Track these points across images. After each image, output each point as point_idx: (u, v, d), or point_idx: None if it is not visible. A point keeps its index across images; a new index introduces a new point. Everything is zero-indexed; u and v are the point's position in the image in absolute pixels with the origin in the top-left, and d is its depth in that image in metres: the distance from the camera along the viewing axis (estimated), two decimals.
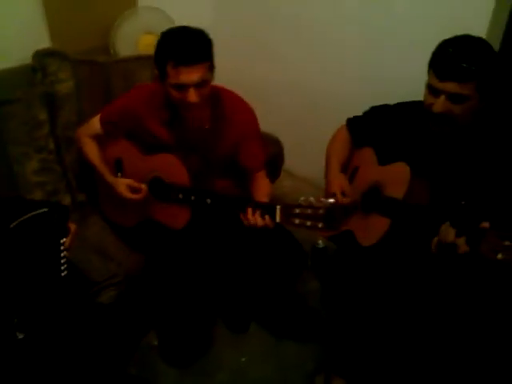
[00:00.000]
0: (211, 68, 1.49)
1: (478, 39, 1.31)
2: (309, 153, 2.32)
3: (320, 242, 2.21)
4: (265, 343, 1.90)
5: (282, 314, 1.96)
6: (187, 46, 1.40)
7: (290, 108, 2.75)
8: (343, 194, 1.57)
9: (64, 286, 1.34)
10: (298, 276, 1.83)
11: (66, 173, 1.93)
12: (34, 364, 1.30)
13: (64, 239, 1.32)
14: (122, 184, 1.63)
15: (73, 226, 1.39)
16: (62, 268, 1.33)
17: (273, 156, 2.18)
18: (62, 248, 1.31)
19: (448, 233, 1.21)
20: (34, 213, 1.24)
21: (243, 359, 1.84)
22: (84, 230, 1.82)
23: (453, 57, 1.27)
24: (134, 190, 1.63)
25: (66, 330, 1.38)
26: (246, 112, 1.68)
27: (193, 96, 1.44)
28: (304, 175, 2.88)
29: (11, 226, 1.20)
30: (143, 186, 1.63)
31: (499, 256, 1.07)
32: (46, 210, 1.26)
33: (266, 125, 2.08)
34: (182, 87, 1.43)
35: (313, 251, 2.25)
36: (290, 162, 2.52)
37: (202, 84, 1.44)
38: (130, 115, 1.65)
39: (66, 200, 1.92)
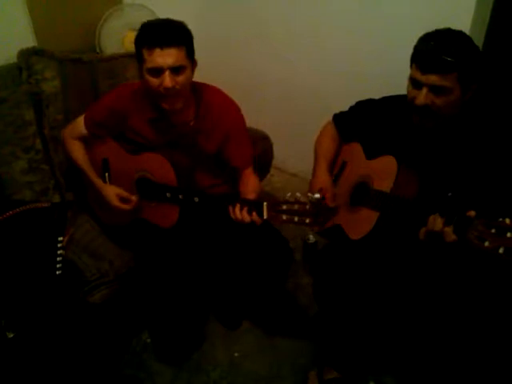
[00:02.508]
0: (190, 56, 1.48)
1: (459, 33, 1.33)
2: (298, 149, 2.33)
3: (311, 236, 2.23)
4: (258, 339, 1.91)
5: (272, 310, 1.97)
6: (161, 28, 1.42)
7: (278, 104, 2.76)
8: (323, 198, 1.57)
9: (58, 284, 1.33)
10: (286, 271, 1.83)
11: (55, 172, 1.91)
12: (26, 363, 1.30)
13: (62, 237, 1.32)
14: (112, 193, 1.62)
15: (71, 229, 1.39)
16: (58, 266, 1.32)
17: (262, 152, 2.19)
18: (59, 246, 1.31)
19: (436, 222, 1.23)
20: (35, 205, 1.24)
21: (236, 355, 1.85)
22: (74, 229, 1.81)
23: (434, 49, 1.28)
24: (123, 200, 1.62)
25: (59, 330, 1.38)
26: (231, 109, 1.67)
27: (168, 80, 1.42)
28: (294, 171, 2.89)
29: (6, 215, 1.19)
30: (133, 198, 1.62)
31: (486, 244, 1.09)
32: (47, 204, 1.27)
33: (255, 121, 2.09)
34: (158, 71, 1.43)
35: (304, 246, 2.27)
36: (280, 158, 2.53)
37: (178, 70, 1.44)
38: (115, 114, 1.64)
39: (55, 199, 1.90)
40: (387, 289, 1.48)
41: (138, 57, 1.48)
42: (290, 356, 1.84)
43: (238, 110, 1.69)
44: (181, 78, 1.46)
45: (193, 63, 1.51)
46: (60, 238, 1.31)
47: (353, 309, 1.54)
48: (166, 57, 1.41)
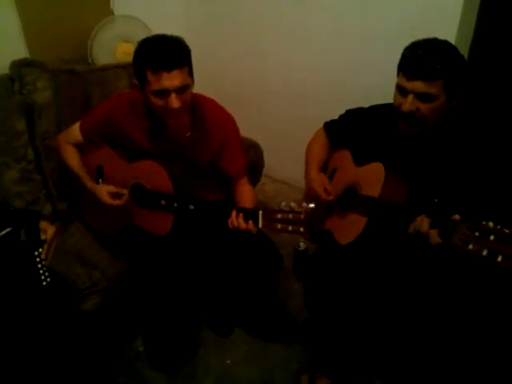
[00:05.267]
0: (191, 73, 1.50)
1: (445, 42, 1.37)
2: (289, 157, 2.36)
3: (301, 243, 2.25)
4: (250, 345, 1.92)
5: (263, 317, 1.98)
6: (166, 51, 1.41)
7: (268, 113, 2.79)
8: (325, 190, 1.61)
9: (48, 293, 1.33)
10: (275, 278, 1.85)
11: (47, 182, 1.92)
12: (18, 373, 1.29)
13: (39, 249, 1.30)
14: (103, 190, 1.63)
15: (50, 230, 1.38)
16: (43, 277, 1.31)
17: (253, 161, 2.21)
18: (38, 260, 1.30)
19: (423, 223, 1.25)
20: None
21: (229, 362, 1.86)
22: (66, 238, 1.82)
23: (420, 57, 1.32)
24: (115, 196, 1.63)
25: (51, 339, 1.38)
26: (226, 120, 1.70)
27: (174, 102, 1.44)
28: (285, 179, 2.92)
29: None
30: (124, 192, 1.63)
31: (470, 247, 1.11)
32: (9, 229, 1.21)
33: (245, 130, 2.11)
34: (164, 93, 1.44)
35: (294, 253, 2.28)
36: (271, 166, 2.55)
37: (183, 89, 1.45)
38: (111, 123, 1.65)
39: (47, 209, 1.91)
40: (377, 293, 1.50)
41: (138, 76, 1.47)
42: (282, 361, 1.85)
43: (233, 121, 1.72)
44: (185, 97, 1.48)
45: (193, 78, 1.53)
46: (37, 252, 1.30)
47: (343, 314, 1.56)
48: (172, 80, 1.41)
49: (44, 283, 1.32)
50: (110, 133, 1.68)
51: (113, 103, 1.68)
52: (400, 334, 1.64)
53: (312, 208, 1.32)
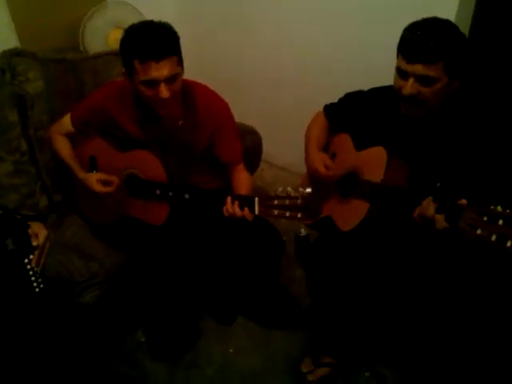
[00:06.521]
0: (180, 62, 1.45)
1: (445, 22, 1.32)
2: (287, 142, 2.32)
3: (302, 230, 2.23)
4: (252, 333, 1.91)
5: (265, 304, 1.97)
6: (154, 39, 1.36)
7: (266, 98, 2.75)
8: (325, 166, 1.58)
9: (42, 298, 1.30)
10: (278, 263, 1.83)
11: (41, 174, 1.90)
12: (21, 367, 1.28)
13: (30, 256, 1.27)
14: (93, 178, 1.61)
15: (42, 235, 1.34)
16: (35, 284, 1.29)
17: (251, 147, 2.18)
18: (28, 267, 1.27)
19: (429, 208, 1.22)
20: None
21: (231, 350, 1.85)
22: (63, 230, 1.80)
23: (420, 39, 1.28)
24: (105, 184, 1.61)
25: (52, 333, 1.37)
26: (218, 105, 1.65)
27: (164, 92, 1.40)
28: (284, 165, 2.89)
29: None
30: (114, 179, 1.60)
31: (478, 231, 1.08)
32: None
33: (243, 116, 2.07)
34: (153, 83, 1.40)
35: (296, 239, 2.27)
36: (269, 152, 2.52)
37: (172, 79, 1.41)
38: (101, 113, 1.62)
39: (43, 201, 1.89)
40: (379, 279, 1.48)
41: (126, 65, 1.43)
42: (284, 349, 1.84)
43: (226, 106, 1.67)
44: (175, 86, 1.44)
45: (183, 67, 1.48)
46: (27, 260, 1.27)
47: (346, 300, 1.55)
48: (161, 70, 1.37)
49: (37, 289, 1.29)
50: (101, 123, 1.65)
51: (103, 93, 1.64)
52: (403, 319, 1.63)
53: (309, 193, 1.30)
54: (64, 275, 1.61)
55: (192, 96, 1.60)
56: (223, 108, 1.66)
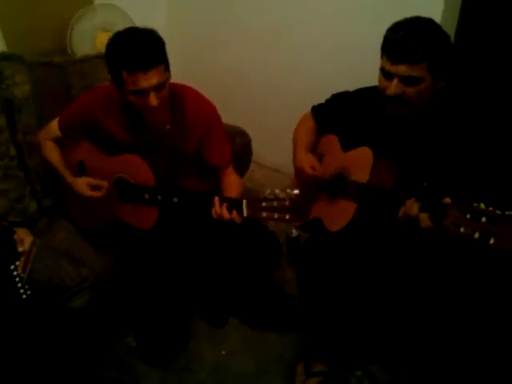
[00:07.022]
0: (167, 68, 1.44)
1: (428, 21, 1.32)
2: (277, 143, 2.32)
3: (293, 231, 2.24)
4: (244, 335, 1.91)
5: (258, 305, 1.97)
6: (141, 50, 1.34)
7: (255, 100, 2.75)
8: (312, 168, 1.58)
9: (30, 304, 1.29)
10: (276, 265, 1.83)
11: (30, 178, 1.89)
12: (10, 373, 1.27)
13: (16, 263, 1.26)
14: (82, 183, 1.60)
15: (27, 241, 1.32)
16: (22, 291, 1.27)
17: (240, 148, 2.18)
18: (15, 273, 1.26)
19: (412, 207, 1.23)
20: None
21: (224, 353, 1.85)
22: (52, 235, 1.79)
23: (403, 39, 1.28)
24: (94, 188, 1.60)
25: (41, 339, 1.36)
26: (206, 109, 1.64)
27: (154, 100, 1.40)
28: (274, 166, 2.89)
29: None
30: (104, 183, 1.59)
31: (462, 229, 1.08)
32: None
33: (232, 117, 2.07)
34: (142, 93, 1.39)
35: (287, 240, 2.27)
36: (260, 153, 2.52)
37: (161, 86, 1.41)
38: (88, 118, 1.61)
39: (32, 206, 1.88)
40: (369, 279, 1.48)
41: (113, 75, 1.42)
42: (277, 351, 1.84)
43: (214, 109, 1.66)
44: (164, 93, 1.44)
45: (170, 71, 1.47)
46: (13, 266, 1.25)
47: (336, 300, 1.55)
48: (149, 79, 1.36)
49: (24, 296, 1.27)
50: (87, 128, 1.64)
51: (89, 97, 1.63)
52: (393, 319, 1.63)
53: (296, 194, 1.29)
54: (54, 280, 1.61)
55: (180, 100, 1.60)
56: (211, 112, 1.65)
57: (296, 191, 1.30)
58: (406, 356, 1.72)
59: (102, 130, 1.62)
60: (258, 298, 1.99)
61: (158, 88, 1.40)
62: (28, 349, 1.30)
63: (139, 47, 1.34)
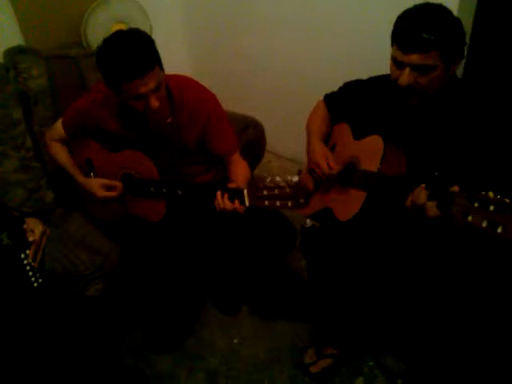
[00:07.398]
0: (161, 67, 1.43)
1: (438, 7, 1.28)
2: (292, 133, 2.31)
3: (307, 221, 2.23)
4: (256, 324, 1.93)
5: (270, 294, 1.97)
6: (133, 58, 1.32)
7: (269, 90, 2.73)
8: (329, 166, 1.56)
9: (42, 292, 1.31)
10: (291, 247, 1.78)
11: (47, 169, 1.93)
12: (29, 361, 1.30)
13: (27, 251, 1.28)
14: (96, 184, 1.63)
15: (37, 230, 1.34)
16: (33, 279, 1.28)
17: (254, 138, 2.18)
18: (25, 262, 1.28)
19: (420, 195, 1.21)
20: None
21: (235, 341, 1.87)
22: (68, 225, 1.84)
23: (413, 28, 1.24)
24: (108, 188, 1.63)
25: (55, 327, 1.39)
26: (205, 98, 1.63)
27: (155, 102, 1.40)
28: (289, 156, 2.88)
29: None
30: (118, 184, 1.63)
31: (469, 218, 1.06)
32: None
33: (245, 107, 2.07)
34: (142, 97, 1.40)
35: (301, 231, 2.26)
36: (275, 143, 2.51)
37: (159, 87, 1.41)
38: (89, 118, 1.63)
39: (48, 196, 1.93)
40: (379, 269, 1.47)
41: (110, 84, 1.43)
42: (288, 339, 1.85)
43: (213, 97, 1.65)
44: (162, 92, 1.44)
45: (163, 69, 1.46)
46: (23, 255, 1.27)
47: (345, 290, 1.54)
48: (147, 84, 1.36)
49: (35, 284, 1.29)
50: (90, 126, 1.65)
51: (89, 98, 1.64)
52: (404, 310, 1.62)
53: (296, 181, 1.28)
54: (69, 268, 1.65)
55: (179, 91, 1.58)
56: (211, 100, 1.64)
57: (296, 178, 1.29)
58: (419, 347, 1.70)
59: (103, 128, 1.63)
60: (270, 285, 1.99)
61: (156, 90, 1.40)
62: (41, 336, 1.33)
63: (131, 55, 1.33)
